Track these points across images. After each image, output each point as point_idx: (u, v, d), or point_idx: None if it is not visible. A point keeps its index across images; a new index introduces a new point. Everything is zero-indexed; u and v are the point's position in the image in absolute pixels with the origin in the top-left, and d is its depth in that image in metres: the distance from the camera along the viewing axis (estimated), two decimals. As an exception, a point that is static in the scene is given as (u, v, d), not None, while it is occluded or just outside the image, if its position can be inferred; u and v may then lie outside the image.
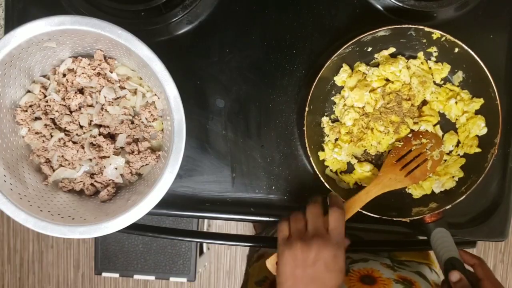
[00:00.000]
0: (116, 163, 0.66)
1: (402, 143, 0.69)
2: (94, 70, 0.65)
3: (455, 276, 0.62)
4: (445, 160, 0.71)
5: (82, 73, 0.65)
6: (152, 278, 1.36)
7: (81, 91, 0.66)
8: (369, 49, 0.69)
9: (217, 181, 0.74)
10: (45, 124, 0.65)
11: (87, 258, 1.81)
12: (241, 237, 0.84)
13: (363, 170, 0.71)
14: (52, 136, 0.66)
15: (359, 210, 0.65)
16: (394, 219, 0.67)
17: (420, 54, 0.70)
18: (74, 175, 0.67)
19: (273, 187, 0.74)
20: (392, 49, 0.70)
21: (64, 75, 0.66)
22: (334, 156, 0.71)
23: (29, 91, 0.66)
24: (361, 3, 0.72)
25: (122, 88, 0.68)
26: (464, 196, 0.66)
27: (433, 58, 0.70)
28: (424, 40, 0.67)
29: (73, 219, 0.59)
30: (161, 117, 0.68)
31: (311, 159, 0.67)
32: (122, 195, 0.66)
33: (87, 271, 1.81)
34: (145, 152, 0.66)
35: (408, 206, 0.70)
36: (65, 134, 0.66)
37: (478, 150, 0.68)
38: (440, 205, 0.67)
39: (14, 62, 0.59)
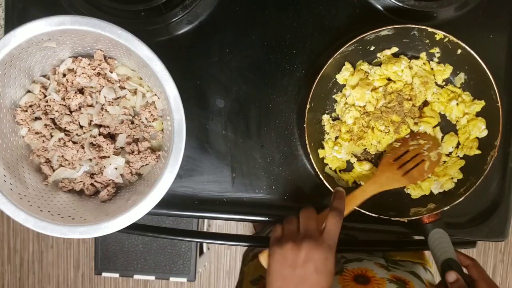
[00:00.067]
0: (116, 163, 0.66)
1: (399, 144, 0.69)
2: (94, 70, 0.65)
3: (451, 276, 0.62)
4: (445, 162, 0.71)
5: (82, 73, 0.65)
6: (152, 278, 1.36)
7: (81, 91, 0.66)
8: (372, 48, 0.69)
9: (217, 181, 0.74)
10: (45, 124, 0.65)
11: (87, 258, 1.81)
12: (241, 237, 0.84)
13: (362, 169, 0.71)
14: (52, 136, 0.66)
15: (358, 209, 0.65)
16: (392, 218, 0.67)
17: (423, 55, 0.70)
18: (74, 175, 0.67)
19: (273, 187, 0.74)
20: (394, 49, 0.70)
21: (64, 75, 0.66)
22: (334, 154, 0.71)
23: (29, 91, 0.66)
24: (361, 3, 0.72)
25: (122, 88, 0.68)
26: (462, 198, 0.66)
27: (436, 59, 0.70)
28: (427, 41, 0.67)
29: (73, 219, 0.59)
30: (161, 117, 0.68)
31: (310, 156, 0.67)
32: (122, 195, 0.66)
33: (87, 271, 1.81)
34: (145, 152, 0.66)
35: (407, 206, 0.70)
36: (65, 134, 0.66)
37: (478, 152, 0.68)
38: (438, 206, 0.67)
39: (14, 62, 0.59)
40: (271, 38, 0.73)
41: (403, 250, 0.82)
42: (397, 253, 0.83)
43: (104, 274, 1.35)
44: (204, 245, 1.56)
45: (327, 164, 0.72)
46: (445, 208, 0.66)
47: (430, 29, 0.64)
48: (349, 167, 0.73)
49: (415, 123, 0.71)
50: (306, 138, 0.67)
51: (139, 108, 0.68)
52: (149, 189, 0.59)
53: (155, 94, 0.68)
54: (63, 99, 0.66)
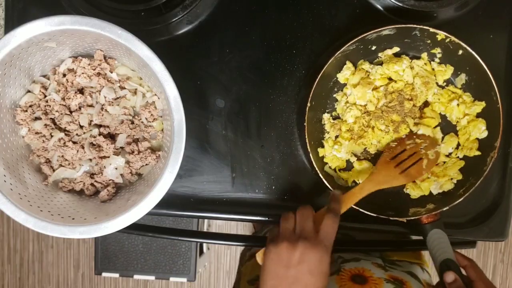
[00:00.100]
0: (116, 163, 0.66)
1: (396, 143, 0.69)
2: (94, 70, 0.65)
3: (450, 277, 0.63)
4: (444, 162, 0.71)
5: (82, 73, 0.65)
6: (152, 278, 1.36)
7: (81, 91, 0.67)
8: (373, 47, 0.69)
9: (217, 181, 0.74)
10: (45, 124, 0.65)
11: (87, 258, 1.81)
12: (241, 237, 0.84)
13: (362, 168, 0.71)
14: (52, 136, 0.66)
15: (357, 208, 0.65)
16: (391, 218, 0.67)
17: (424, 55, 0.70)
18: (74, 175, 0.67)
19: (273, 187, 0.74)
20: (396, 49, 0.70)
21: (64, 75, 0.66)
22: (333, 153, 0.71)
23: (29, 91, 0.66)
24: (361, 3, 0.72)
25: (122, 88, 0.68)
26: (462, 199, 0.66)
27: (437, 60, 0.70)
28: (429, 41, 0.67)
29: (73, 219, 0.59)
30: (161, 117, 0.68)
31: (310, 155, 0.67)
32: (122, 195, 0.66)
33: (87, 271, 1.81)
34: (145, 152, 0.66)
35: (406, 206, 0.70)
36: (65, 134, 0.66)
37: (477, 153, 0.68)
38: (437, 207, 0.67)
39: (14, 62, 0.59)
40: (271, 38, 0.73)
41: (400, 250, 0.82)
42: (395, 253, 0.83)
43: (104, 274, 1.35)
44: (204, 245, 1.56)
45: (326, 163, 0.72)
46: (444, 209, 0.66)
47: (431, 29, 0.64)
48: (348, 166, 0.73)
49: (416, 123, 0.71)
50: (306, 136, 0.67)
51: (139, 108, 0.68)
52: (149, 189, 0.59)
53: (155, 94, 0.68)
54: (63, 99, 0.66)
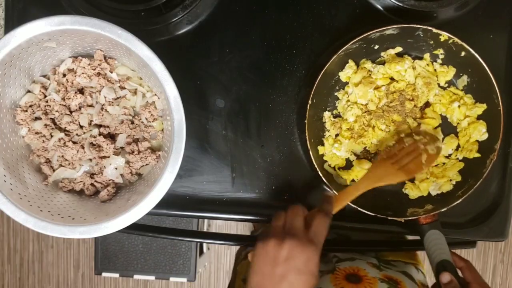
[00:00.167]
0: (116, 163, 0.66)
1: (394, 142, 0.69)
2: (94, 70, 0.65)
3: (445, 278, 0.63)
4: (444, 163, 0.71)
5: (82, 73, 0.65)
6: (152, 278, 1.36)
7: (81, 91, 0.67)
8: (376, 47, 0.69)
9: (217, 181, 0.74)
10: (45, 124, 0.65)
11: (87, 258, 1.81)
12: (241, 237, 0.84)
13: (361, 167, 0.71)
14: (52, 136, 0.66)
15: (355, 207, 0.65)
16: (389, 218, 0.67)
17: (427, 56, 0.70)
18: (74, 175, 0.67)
19: (273, 187, 0.74)
20: (399, 49, 0.70)
21: (64, 75, 0.66)
22: (333, 151, 0.71)
23: (29, 91, 0.66)
24: (361, 3, 0.72)
25: (122, 88, 0.68)
26: (460, 200, 0.66)
27: (439, 60, 0.70)
28: (432, 42, 0.67)
29: (73, 219, 0.59)
30: (161, 117, 0.68)
31: (310, 152, 0.67)
32: (122, 195, 0.66)
33: (87, 271, 1.81)
34: (145, 152, 0.66)
35: (404, 206, 0.70)
36: (65, 134, 0.66)
37: (477, 155, 0.69)
38: (435, 207, 0.68)
39: (14, 62, 0.59)
40: (271, 38, 0.73)
41: (396, 250, 0.82)
42: (390, 253, 0.83)
43: (104, 274, 1.35)
44: (204, 245, 1.56)
45: (326, 161, 0.72)
46: (442, 210, 0.66)
47: (435, 30, 0.64)
48: (348, 165, 0.73)
49: (416, 124, 0.71)
50: (307, 134, 0.66)
51: (139, 108, 0.68)
52: (149, 189, 0.59)
53: (155, 94, 0.68)
54: (63, 99, 0.66)
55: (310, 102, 0.66)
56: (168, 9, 0.71)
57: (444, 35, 0.65)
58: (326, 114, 0.72)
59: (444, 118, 0.71)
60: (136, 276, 1.35)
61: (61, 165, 0.67)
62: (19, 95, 0.65)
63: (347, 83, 0.71)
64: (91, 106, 0.67)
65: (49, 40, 0.59)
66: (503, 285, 1.75)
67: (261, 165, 0.74)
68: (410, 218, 0.68)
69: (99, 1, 0.69)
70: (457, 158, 0.71)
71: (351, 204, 0.66)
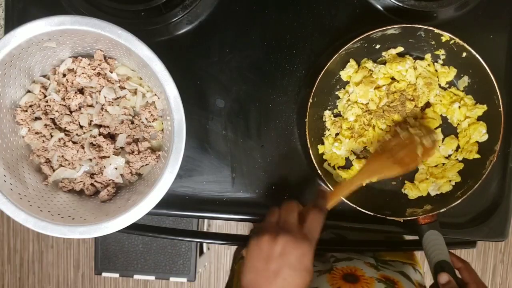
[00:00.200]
0: (116, 163, 0.66)
1: (390, 137, 0.69)
2: (94, 70, 0.65)
3: (443, 278, 0.63)
4: (444, 164, 0.71)
5: (82, 73, 0.65)
6: (152, 278, 1.36)
7: (81, 91, 0.67)
8: (378, 46, 0.69)
9: (217, 181, 0.74)
10: (45, 124, 0.65)
11: (87, 258, 1.81)
12: (241, 237, 0.84)
13: (360, 167, 0.71)
14: (52, 136, 0.66)
15: (354, 206, 0.66)
16: (388, 218, 0.68)
17: (428, 56, 0.70)
18: (74, 175, 0.67)
19: (273, 187, 0.74)
20: (400, 48, 0.70)
21: (64, 75, 0.66)
22: (333, 150, 0.71)
23: (29, 91, 0.66)
24: (361, 3, 0.72)
25: (122, 88, 0.68)
26: (459, 201, 0.66)
27: (440, 61, 0.70)
28: (433, 42, 0.67)
29: (73, 219, 0.59)
30: (161, 117, 0.68)
31: (310, 151, 0.67)
32: (122, 195, 0.66)
33: (87, 271, 1.81)
34: (145, 152, 0.66)
35: (403, 206, 0.70)
36: (65, 134, 0.66)
37: (477, 156, 0.69)
38: (434, 208, 0.68)
39: (14, 62, 0.59)
40: (271, 38, 0.73)
41: (393, 250, 0.82)
42: (387, 253, 0.83)
43: (104, 274, 1.35)
44: (204, 245, 1.56)
45: (326, 160, 0.72)
46: (442, 210, 0.66)
47: (436, 30, 0.64)
48: (347, 164, 0.73)
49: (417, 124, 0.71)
50: (307, 132, 0.66)
51: (139, 108, 0.68)
52: (149, 189, 0.59)
53: (155, 94, 0.68)
54: (63, 99, 0.66)
55: (311, 100, 0.66)
56: (168, 9, 0.71)
57: (446, 36, 0.65)
58: (327, 113, 0.72)
59: (444, 119, 0.72)
60: (136, 276, 1.35)
61: (61, 165, 0.67)
62: (19, 95, 0.65)
63: (348, 82, 0.71)
64: (91, 106, 0.67)
65: (49, 40, 0.59)
66: (503, 285, 1.75)
67: (261, 165, 0.74)
68: (409, 218, 0.68)
69: (99, 1, 0.69)
70: (457, 159, 0.71)
71: (350, 204, 0.66)
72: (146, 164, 0.67)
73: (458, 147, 0.71)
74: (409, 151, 0.65)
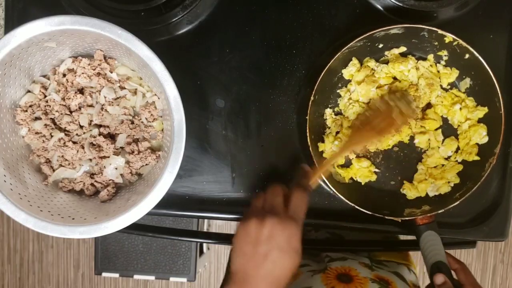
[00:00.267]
0: (116, 163, 0.66)
1: (370, 112, 0.69)
2: (94, 70, 0.65)
3: (439, 279, 0.63)
4: (443, 165, 0.71)
5: (82, 73, 0.65)
6: (152, 278, 1.36)
7: (81, 91, 0.67)
8: (380, 45, 0.69)
9: (217, 181, 0.74)
10: (45, 124, 0.65)
11: (87, 258, 1.81)
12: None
13: (360, 165, 0.71)
14: (52, 136, 0.66)
15: (353, 205, 0.66)
16: (386, 217, 0.68)
17: (430, 57, 0.70)
18: (74, 175, 0.67)
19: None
20: (403, 48, 0.70)
21: (64, 75, 0.66)
22: (333, 148, 0.71)
23: (29, 91, 0.66)
24: (361, 3, 0.72)
25: (122, 88, 0.68)
26: (457, 202, 0.66)
27: (443, 62, 0.70)
28: (436, 43, 0.67)
29: (73, 219, 0.59)
30: (161, 117, 0.68)
31: (310, 149, 0.67)
32: (122, 195, 0.66)
33: (87, 271, 1.81)
34: (145, 152, 0.66)
35: (401, 206, 0.70)
36: (65, 134, 0.66)
37: (476, 158, 0.69)
38: (432, 209, 0.68)
39: (14, 62, 0.59)
40: (271, 38, 0.73)
41: (389, 250, 0.82)
42: (382, 253, 0.83)
43: (104, 274, 1.35)
44: (204, 245, 1.56)
45: (325, 158, 0.72)
46: (440, 211, 0.67)
47: (440, 31, 0.64)
48: (347, 163, 0.73)
49: (417, 125, 0.71)
50: (308, 130, 0.66)
51: (139, 108, 0.68)
52: (149, 189, 0.59)
53: (155, 94, 0.68)
54: (63, 99, 0.66)
55: (312, 98, 0.66)
56: (168, 9, 0.71)
57: (449, 37, 0.65)
58: (328, 111, 0.72)
59: (445, 120, 0.72)
60: (136, 276, 1.36)
61: (61, 165, 0.67)
62: (19, 95, 0.65)
63: (349, 81, 0.71)
64: (91, 106, 0.67)
65: (49, 40, 0.59)
66: (503, 285, 1.75)
67: (261, 165, 0.74)
68: (407, 218, 0.68)
69: (99, 1, 0.69)
70: (456, 160, 0.71)
71: (349, 203, 0.66)
72: (146, 164, 0.67)
73: (458, 148, 0.71)
74: (385, 116, 0.65)
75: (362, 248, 0.82)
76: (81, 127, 0.67)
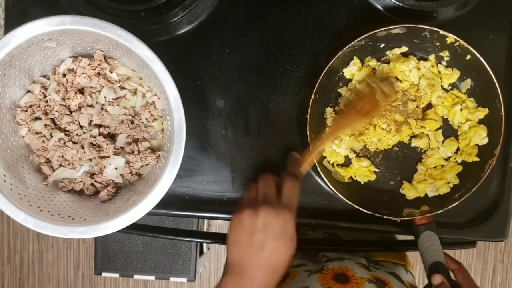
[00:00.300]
0: (116, 163, 0.66)
1: (353, 95, 0.69)
2: (94, 70, 0.65)
3: (437, 279, 0.63)
4: (443, 166, 0.71)
5: (82, 73, 0.65)
6: (152, 278, 1.36)
7: (81, 91, 0.67)
8: (382, 45, 0.69)
9: (217, 181, 0.74)
10: (45, 124, 0.65)
11: (87, 258, 1.81)
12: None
13: (360, 165, 0.71)
14: (52, 136, 0.66)
15: (352, 205, 0.66)
16: (385, 217, 0.68)
17: (432, 57, 0.70)
18: (74, 175, 0.67)
19: (273, 187, 0.74)
20: (404, 48, 0.70)
21: (64, 75, 0.66)
22: (333, 147, 0.71)
23: (29, 91, 0.66)
24: (361, 3, 0.72)
25: (122, 88, 0.68)
26: (456, 203, 0.66)
27: (444, 63, 0.70)
28: (438, 43, 0.67)
29: (73, 219, 0.59)
30: (161, 117, 0.68)
31: (310, 147, 0.67)
32: (122, 195, 0.66)
33: (87, 271, 1.81)
34: (145, 152, 0.66)
35: (400, 206, 0.71)
36: (65, 134, 0.66)
37: (476, 159, 0.69)
38: (431, 209, 0.68)
39: (14, 62, 0.59)
40: (271, 38, 0.73)
41: (386, 251, 0.82)
42: (379, 253, 0.83)
43: (104, 274, 1.35)
44: (204, 245, 1.56)
45: (325, 157, 0.72)
46: (438, 212, 0.67)
47: (442, 32, 0.64)
48: (347, 162, 0.73)
49: (419, 126, 0.71)
50: (308, 129, 0.66)
51: (139, 108, 0.68)
52: (149, 189, 0.59)
53: (155, 94, 0.68)
54: (63, 99, 0.66)
55: (313, 97, 0.66)
56: (168, 9, 0.71)
57: (451, 37, 0.65)
58: (328, 110, 0.72)
59: (445, 121, 0.72)
60: (136, 276, 1.36)
61: (61, 165, 0.67)
62: (19, 95, 0.65)
63: (351, 80, 0.71)
64: (91, 106, 0.67)
65: (49, 40, 0.59)
66: (503, 284, 1.75)
67: (261, 165, 0.74)
68: (406, 218, 0.68)
69: (99, 1, 0.69)
70: (456, 161, 0.71)
71: (348, 202, 0.66)
72: (146, 164, 0.67)
73: (458, 149, 0.71)
74: (369, 98, 0.65)
75: (360, 248, 0.82)
76: (81, 127, 0.67)
